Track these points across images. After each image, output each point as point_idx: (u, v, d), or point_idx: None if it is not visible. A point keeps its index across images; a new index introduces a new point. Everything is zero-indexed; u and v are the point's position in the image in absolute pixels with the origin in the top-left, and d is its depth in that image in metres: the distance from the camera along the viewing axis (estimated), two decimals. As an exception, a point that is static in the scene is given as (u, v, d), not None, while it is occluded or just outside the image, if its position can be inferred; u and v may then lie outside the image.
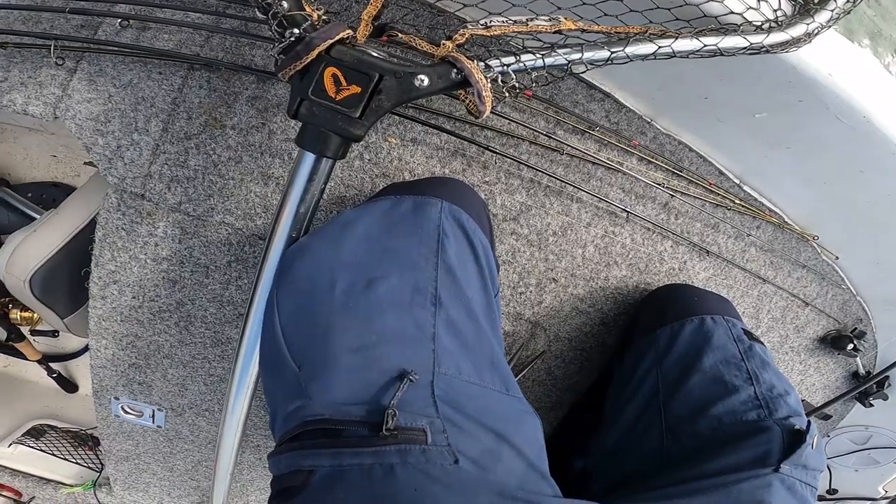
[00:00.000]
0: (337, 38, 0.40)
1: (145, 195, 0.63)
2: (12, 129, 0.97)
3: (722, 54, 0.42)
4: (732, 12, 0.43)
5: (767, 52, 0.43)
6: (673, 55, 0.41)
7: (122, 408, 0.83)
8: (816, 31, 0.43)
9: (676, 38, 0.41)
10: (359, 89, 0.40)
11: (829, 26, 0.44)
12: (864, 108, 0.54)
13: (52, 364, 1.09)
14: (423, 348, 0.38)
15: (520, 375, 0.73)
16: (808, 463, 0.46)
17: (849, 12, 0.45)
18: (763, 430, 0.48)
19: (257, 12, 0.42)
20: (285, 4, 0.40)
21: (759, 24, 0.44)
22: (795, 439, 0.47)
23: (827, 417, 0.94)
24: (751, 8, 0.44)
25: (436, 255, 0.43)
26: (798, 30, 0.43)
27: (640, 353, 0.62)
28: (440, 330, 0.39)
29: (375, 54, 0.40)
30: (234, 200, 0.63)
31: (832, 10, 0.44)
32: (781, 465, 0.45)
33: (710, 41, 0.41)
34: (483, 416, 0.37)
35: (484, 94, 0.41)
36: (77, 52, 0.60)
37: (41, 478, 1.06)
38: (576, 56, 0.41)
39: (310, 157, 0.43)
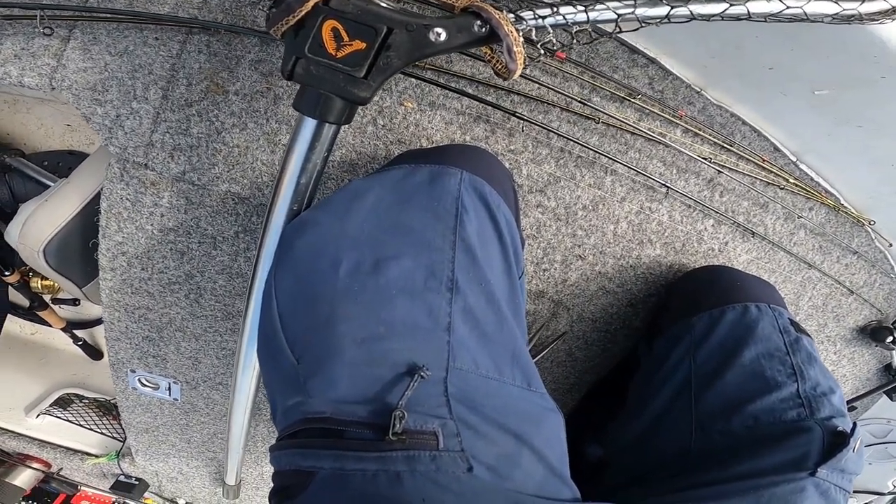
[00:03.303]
0: None
1: (148, 164, 0.60)
2: (25, 101, 0.95)
3: (807, 19, 0.35)
4: None
5: (861, 21, 0.36)
6: (747, 17, 0.35)
7: (139, 380, 0.84)
8: None
9: None
10: (363, 45, 0.35)
11: None
12: None
13: (76, 331, 1.12)
14: (437, 340, 0.34)
15: (539, 356, 0.69)
16: (846, 467, 0.43)
17: None
18: (803, 430, 0.45)
19: None
20: None
21: None
22: (838, 441, 0.43)
23: (852, 409, 0.90)
24: None
25: (453, 233, 0.38)
26: None
27: (673, 340, 0.58)
28: (456, 319, 0.35)
29: (383, 4, 0.35)
30: (240, 169, 0.60)
31: None
32: (819, 469, 0.42)
33: (795, 3, 0.34)
34: (501, 415, 0.33)
35: (515, 49, 0.35)
36: (69, 21, 0.56)
37: (68, 448, 1.10)
38: (627, 10, 0.34)
39: (310, 123, 0.38)
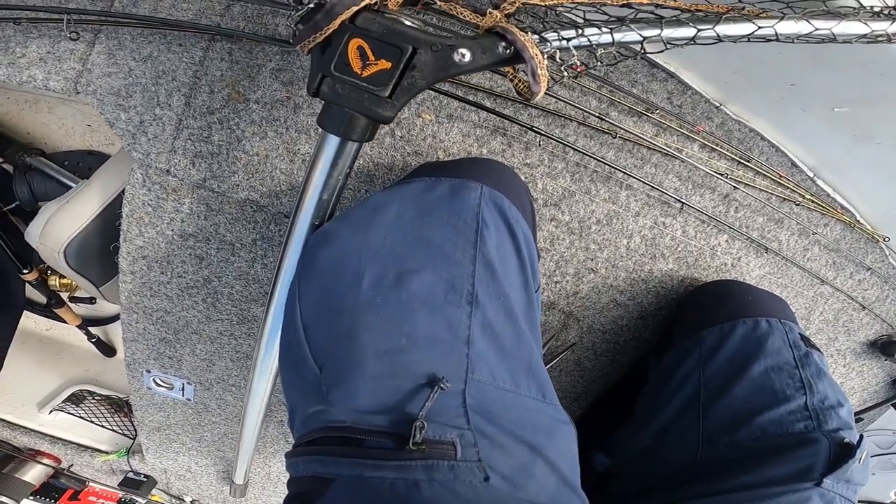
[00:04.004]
0: (363, 4, 0.35)
1: (170, 171, 0.61)
2: (46, 100, 0.97)
3: (836, 41, 0.35)
4: None
5: (889, 41, 0.36)
6: (775, 38, 0.35)
7: (154, 380, 0.86)
8: None
9: (781, 18, 0.34)
10: (388, 64, 0.35)
11: None
12: None
13: (91, 328, 1.14)
14: (457, 353, 0.35)
15: (548, 366, 0.70)
16: (852, 478, 0.43)
17: None
18: (809, 442, 0.45)
19: None
20: None
21: (879, 9, 0.36)
22: (844, 453, 0.44)
23: (859, 420, 0.90)
24: None
25: (474, 248, 0.39)
26: None
27: (683, 352, 0.58)
28: (475, 333, 0.36)
29: (409, 23, 0.35)
30: (259, 177, 0.61)
31: None
32: (824, 480, 0.42)
33: (824, 25, 0.34)
34: (517, 426, 0.34)
35: (539, 72, 0.35)
36: (94, 26, 0.57)
37: (79, 445, 1.12)
38: (653, 32, 0.34)
39: (333, 140, 0.39)
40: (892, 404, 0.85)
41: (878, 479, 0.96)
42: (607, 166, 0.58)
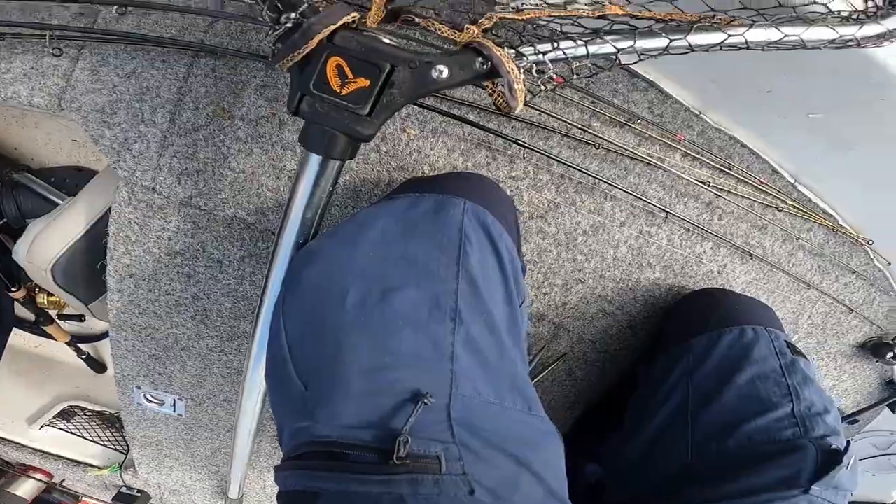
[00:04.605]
0: (340, 22, 0.35)
1: (156, 188, 0.61)
2: (33, 115, 0.97)
3: (805, 47, 0.36)
4: (816, 2, 0.37)
5: (858, 45, 0.36)
6: (746, 46, 0.35)
7: (145, 396, 0.85)
8: None
9: (750, 26, 0.35)
10: (367, 82, 0.35)
11: None
12: None
13: (80, 345, 1.13)
14: (441, 369, 0.35)
15: (540, 376, 0.70)
16: (840, 484, 0.44)
17: None
18: (797, 449, 0.46)
19: None
20: None
21: (847, 14, 0.37)
22: (831, 459, 0.44)
23: (854, 422, 0.90)
24: None
25: (457, 264, 0.39)
26: (894, 22, 0.36)
27: (671, 361, 0.59)
28: (459, 349, 0.36)
29: (386, 40, 0.35)
30: (246, 194, 0.61)
31: None
32: (812, 487, 0.43)
33: (793, 31, 0.35)
34: (502, 439, 0.34)
35: (516, 86, 0.35)
36: (78, 42, 0.57)
37: (71, 460, 1.11)
38: (626, 44, 0.35)
39: (315, 159, 0.39)
40: (887, 405, 0.85)
41: (879, 479, 0.96)
42: (591, 177, 0.59)
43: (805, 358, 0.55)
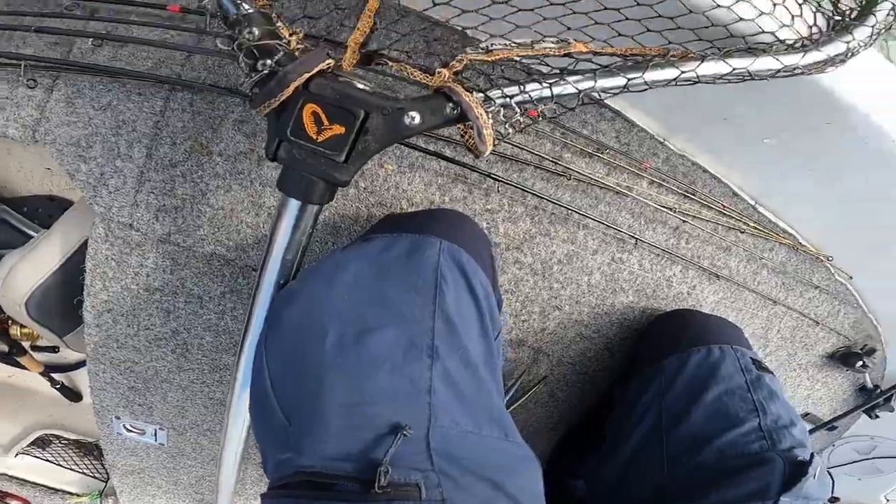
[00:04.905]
0: (315, 70, 0.36)
1: (133, 225, 0.61)
2: (4, 142, 0.94)
3: (752, 78, 0.38)
4: (764, 31, 0.39)
5: (801, 73, 0.39)
6: (697, 81, 0.38)
7: (124, 426, 0.83)
8: (855, 49, 0.39)
9: (702, 61, 0.37)
10: (342, 129, 0.36)
11: (869, 44, 0.40)
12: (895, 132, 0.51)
13: (54, 375, 1.09)
14: (419, 402, 0.36)
15: (522, 399, 0.71)
16: (809, 493, 0.46)
17: (890, 28, 0.41)
18: (764, 462, 0.48)
19: (219, 44, 0.38)
20: (256, 32, 0.36)
21: (792, 42, 0.40)
22: (798, 471, 0.46)
23: (833, 428, 0.93)
24: (785, 26, 0.40)
25: (433, 304, 0.40)
26: (834, 48, 0.39)
27: (645, 382, 0.61)
28: (436, 383, 0.37)
29: (361, 86, 0.36)
30: (225, 231, 0.61)
31: (872, 26, 0.40)
32: (781, 498, 0.45)
33: (740, 64, 0.37)
34: (480, 466, 0.36)
35: (484, 132, 0.37)
36: (52, 72, 0.57)
37: (48, 487, 1.07)
38: (588, 84, 0.37)
39: (294, 204, 0.40)
40: (863, 411, 0.88)
41: (866, 483, 0.99)
42: (564, 208, 0.61)
43: (771, 373, 0.58)
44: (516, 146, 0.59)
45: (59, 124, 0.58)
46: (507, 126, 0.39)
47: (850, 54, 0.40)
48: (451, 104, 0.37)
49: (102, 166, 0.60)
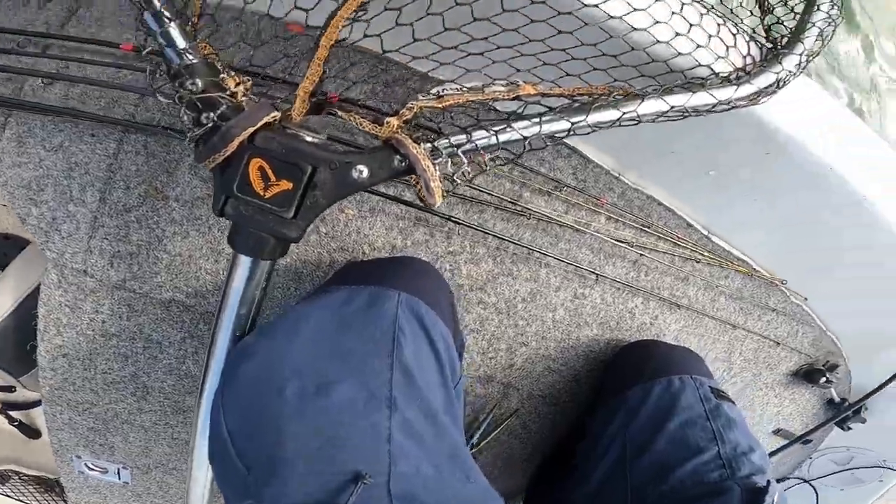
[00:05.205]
0: (260, 123, 0.35)
1: (87, 271, 0.59)
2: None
3: (690, 115, 0.40)
4: (700, 64, 0.41)
5: (736, 107, 0.41)
6: (638, 121, 0.39)
7: (86, 464, 0.80)
8: (785, 78, 0.42)
9: (642, 100, 0.38)
10: (290, 185, 0.35)
11: (798, 73, 0.42)
12: (830, 159, 0.53)
13: (11, 413, 1.04)
14: (379, 450, 0.36)
15: (495, 433, 0.72)
16: None
17: (817, 54, 0.43)
18: (723, 491, 0.49)
19: (160, 97, 0.37)
20: (199, 83, 0.35)
21: (727, 74, 0.42)
22: (755, 498, 0.47)
23: (807, 442, 0.96)
24: (720, 58, 0.42)
25: (391, 356, 0.41)
26: (766, 79, 0.41)
27: (610, 413, 0.62)
28: (395, 432, 0.37)
29: (309, 138, 0.36)
30: (184, 278, 0.59)
31: (800, 54, 0.42)
32: None
33: (677, 101, 0.39)
34: None
35: (432, 185, 0.37)
36: (4, 110, 0.55)
37: None
38: (533, 130, 0.37)
39: (245, 260, 0.39)
40: (835, 423, 0.91)
41: (847, 494, 1.01)
42: (525, 248, 0.62)
43: (730, 401, 0.59)
44: (475, 188, 0.60)
45: (10, 165, 0.56)
46: (454, 178, 0.39)
47: (780, 84, 0.41)
48: (398, 157, 0.36)
49: (54, 210, 0.58)
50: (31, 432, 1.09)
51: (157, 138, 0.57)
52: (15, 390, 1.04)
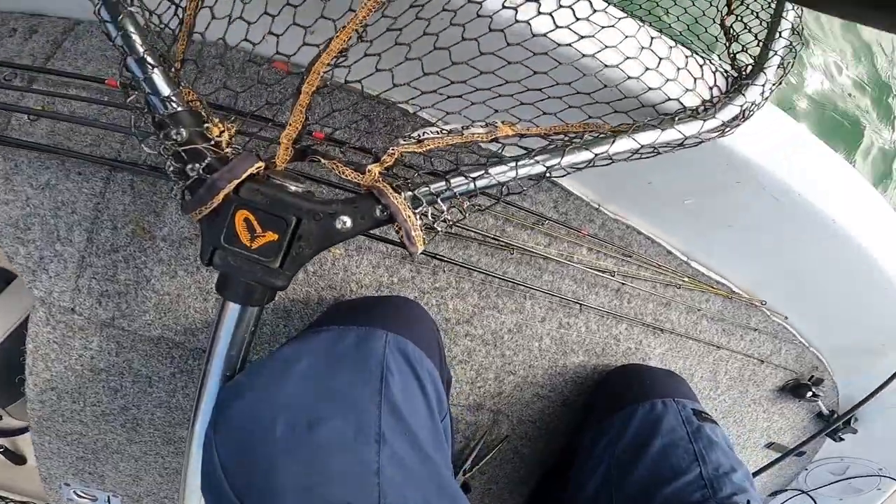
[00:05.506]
0: (244, 176, 0.35)
1: (75, 309, 0.59)
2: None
3: (660, 152, 0.41)
4: (670, 98, 0.42)
5: (702, 141, 0.42)
6: (611, 160, 0.40)
7: (75, 492, 0.80)
8: (748, 110, 0.43)
9: (613, 140, 0.39)
10: (276, 236, 0.36)
11: (762, 104, 0.44)
12: (797, 185, 0.55)
13: (-2, 440, 1.03)
14: (368, 484, 0.37)
15: (487, 458, 0.73)
16: None
17: (779, 84, 0.45)
18: None
19: (145, 148, 0.37)
20: (183, 133, 0.35)
21: (695, 108, 0.43)
22: None
23: (801, 454, 0.97)
24: (688, 90, 0.43)
25: (379, 394, 0.42)
26: (730, 112, 0.42)
27: (598, 436, 0.63)
28: (384, 465, 0.38)
29: (293, 188, 0.36)
30: (173, 316, 0.60)
31: (762, 84, 0.43)
32: None
33: (648, 139, 0.40)
34: None
35: (413, 234, 0.38)
36: None
37: None
38: (510, 175, 0.38)
39: (233, 307, 0.40)
40: (826, 435, 0.92)
41: (848, 503, 1.01)
42: (509, 282, 0.63)
43: (713, 422, 0.61)
44: (460, 225, 0.61)
45: None
46: (436, 224, 0.40)
47: (745, 116, 0.43)
48: (380, 206, 0.37)
49: (41, 249, 0.58)
50: (17, 458, 1.08)
51: (143, 177, 0.57)
52: (1, 419, 1.03)
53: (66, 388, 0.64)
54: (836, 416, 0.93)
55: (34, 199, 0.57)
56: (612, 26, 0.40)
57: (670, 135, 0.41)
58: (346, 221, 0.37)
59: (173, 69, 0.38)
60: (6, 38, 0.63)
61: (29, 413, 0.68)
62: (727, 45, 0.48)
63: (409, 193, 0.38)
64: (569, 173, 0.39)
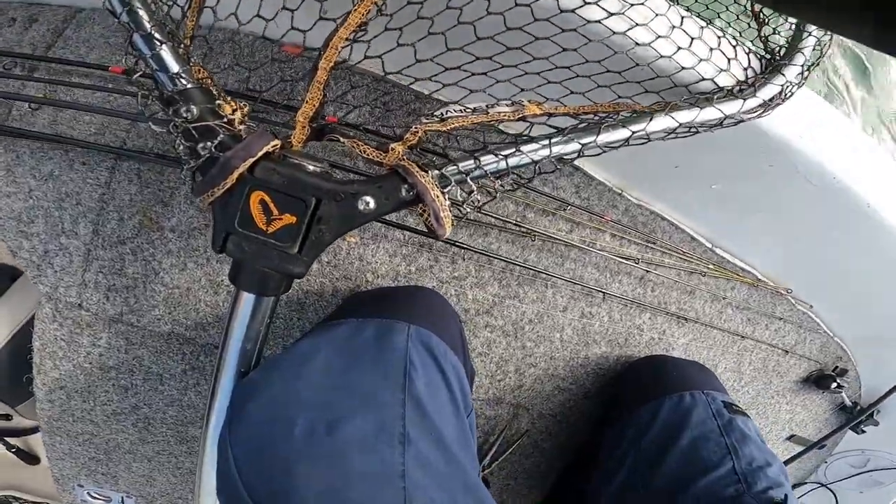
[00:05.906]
0: (260, 154, 0.33)
1: (82, 305, 0.57)
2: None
3: (698, 131, 0.39)
4: (704, 78, 0.40)
5: (742, 121, 0.40)
6: (648, 139, 0.38)
7: (88, 493, 0.79)
8: (788, 89, 0.41)
9: (651, 118, 0.37)
10: (293, 219, 0.33)
11: (801, 83, 0.42)
12: (833, 168, 0.53)
13: (9, 439, 1.03)
14: (393, 486, 0.35)
15: (507, 453, 0.71)
16: None
17: (817, 64, 0.43)
18: None
19: (152, 125, 0.35)
20: (194, 110, 0.33)
21: (731, 87, 0.41)
22: None
23: (822, 447, 0.95)
24: (722, 70, 0.41)
25: (403, 391, 0.40)
26: (770, 91, 0.40)
27: (623, 429, 0.62)
28: (409, 466, 0.37)
29: (311, 167, 0.34)
30: (183, 310, 0.58)
31: (801, 64, 0.41)
32: None
33: (686, 117, 0.38)
34: None
35: (441, 214, 0.35)
36: None
37: None
38: (543, 153, 0.36)
39: (248, 297, 0.37)
40: (849, 428, 0.90)
41: (867, 496, 1.00)
42: (530, 270, 0.61)
43: (744, 415, 0.59)
44: (479, 211, 0.59)
45: None
46: (464, 206, 0.38)
47: (784, 96, 0.41)
48: (406, 186, 0.35)
49: (46, 243, 0.56)
50: (30, 458, 1.08)
51: (150, 166, 0.55)
52: (12, 418, 1.02)
53: (75, 386, 0.63)
54: (859, 407, 0.91)
55: (37, 191, 0.55)
56: (642, 3, 0.38)
57: (710, 113, 0.39)
58: (370, 202, 0.35)
59: (182, 46, 0.36)
60: (5, 27, 0.61)
61: (39, 413, 0.67)
62: (758, 28, 0.46)
63: (437, 172, 0.35)
64: (604, 152, 0.37)
